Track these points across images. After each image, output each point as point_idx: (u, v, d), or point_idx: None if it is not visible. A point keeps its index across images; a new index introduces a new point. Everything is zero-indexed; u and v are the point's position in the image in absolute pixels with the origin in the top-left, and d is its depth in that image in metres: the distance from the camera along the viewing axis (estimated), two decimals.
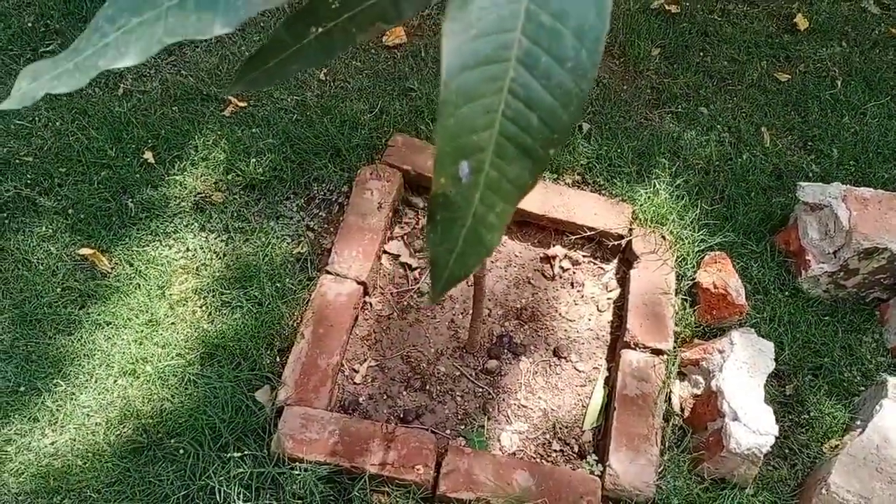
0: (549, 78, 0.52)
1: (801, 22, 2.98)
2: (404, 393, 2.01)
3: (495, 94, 0.52)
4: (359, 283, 2.06)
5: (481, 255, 0.57)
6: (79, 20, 2.57)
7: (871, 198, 2.17)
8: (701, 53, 2.84)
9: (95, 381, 1.89)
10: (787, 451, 2.00)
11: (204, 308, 2.03)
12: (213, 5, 0.58)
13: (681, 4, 2.95)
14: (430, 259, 0.57)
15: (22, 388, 1.86)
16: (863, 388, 2.09)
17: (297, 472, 1.72)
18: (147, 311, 2.00)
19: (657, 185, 2.35)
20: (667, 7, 2.92)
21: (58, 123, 2.31)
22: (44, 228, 2.10)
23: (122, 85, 2.43)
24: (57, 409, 1.84)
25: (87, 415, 1.83)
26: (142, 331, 1.97)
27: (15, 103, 0.62)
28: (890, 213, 2.15)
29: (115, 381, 1.89)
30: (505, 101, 0.52)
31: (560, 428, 1.99)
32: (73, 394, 1.86)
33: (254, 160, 2.29)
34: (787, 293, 2.23)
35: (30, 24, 2.56)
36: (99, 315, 1.98)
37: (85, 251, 2.05)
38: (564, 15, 0.52)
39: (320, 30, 0.77)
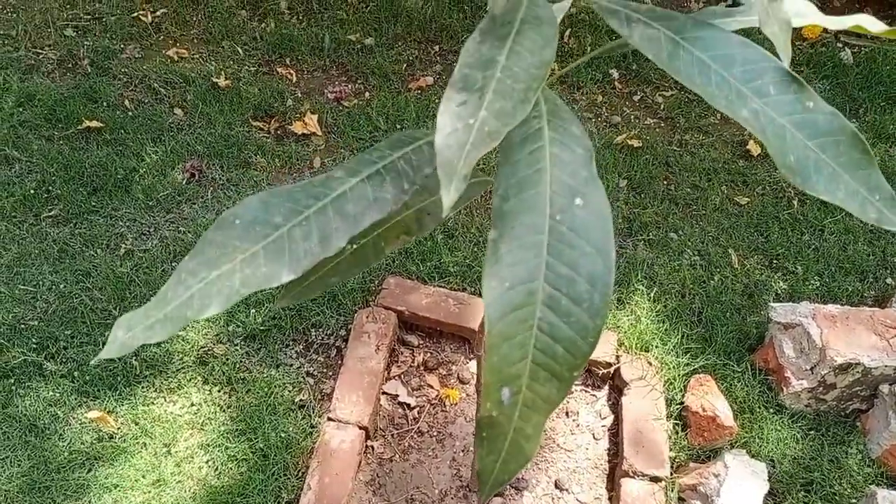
0: (569, 316, 0.64)
1: (754, 147, 3.23)
2: None
3: (527, 331, 0.63)
4: (361, 427, 2.12)
5: (521, 462, 0.66)
6: (79, 185, 2.70)
7: (839, 314, 2.32)
8: (665, 182, 3.05)
9: None
10: None
11: (210, 464, 2.06)
12: (280, 257, 0.70)
13: (642, 138, 3.19)
14: (478, 469, 0.66)
15: None
16: (854, 501, 2.15)
17: None
18: (154, 471, 2.02)
19: (638, 312, 2.48)
20: (629, 142, 3.16)
21: (62, 286, 2.40)
22: (50, 392, 2.15)
23: (123, 245, 2.54)
24: None
25: None
26: (149, 492, 1.99)
27: (114, 353, 0.71)
28: (858, 327, 2.28)
29: None
30: (535, 336, 0.64)
31: None
32: None
33: (253, 310, 2.39)
34: (771, 410, 2.32)
35: (32, 191, 2.68)
36: (106, 478, 2.00)
37: (92, 414, 2.09)
38: (577, 265, 0.64)
39: (355, 246, 0.89)
